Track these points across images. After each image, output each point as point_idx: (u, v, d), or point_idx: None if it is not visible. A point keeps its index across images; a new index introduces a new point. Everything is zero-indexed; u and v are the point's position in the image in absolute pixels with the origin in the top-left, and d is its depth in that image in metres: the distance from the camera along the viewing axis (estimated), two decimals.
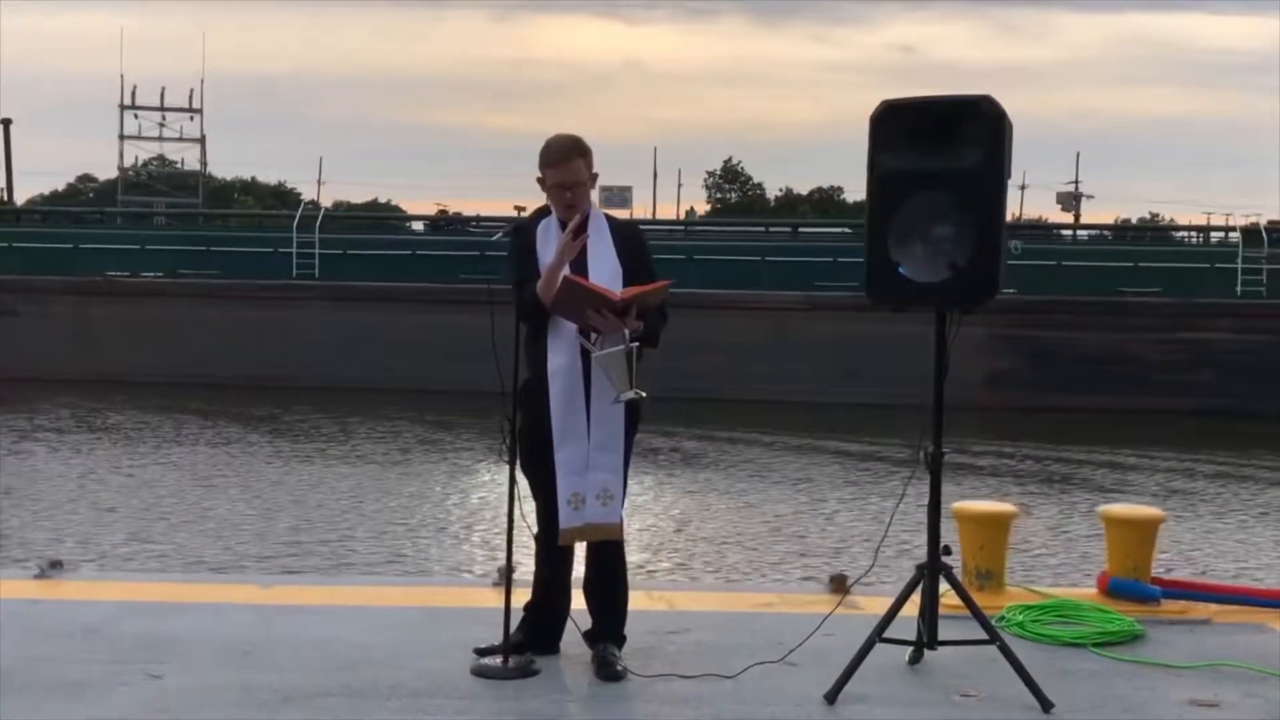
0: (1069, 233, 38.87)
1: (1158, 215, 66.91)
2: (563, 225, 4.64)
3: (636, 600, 4.93)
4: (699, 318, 24.65)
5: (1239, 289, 28.65)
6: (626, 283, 4.59)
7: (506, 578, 4.72)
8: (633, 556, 6.82)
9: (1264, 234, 30.06)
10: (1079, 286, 28.33)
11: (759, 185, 75.96)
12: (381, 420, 22.86)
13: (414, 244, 34.05)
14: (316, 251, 31.09)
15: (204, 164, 50.87)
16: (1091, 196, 64.95)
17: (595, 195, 4.82)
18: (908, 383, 25.56)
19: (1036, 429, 22.45)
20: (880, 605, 4.73)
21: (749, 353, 27.00)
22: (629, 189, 40.31)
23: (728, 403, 25.17)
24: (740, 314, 27.60)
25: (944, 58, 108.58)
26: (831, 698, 4.38)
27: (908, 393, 25.75)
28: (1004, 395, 25.52)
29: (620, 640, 4.75)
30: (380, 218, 50.30)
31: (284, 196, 70.34)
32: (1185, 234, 38.69)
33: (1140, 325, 26.74)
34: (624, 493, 4.64)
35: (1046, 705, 4.32)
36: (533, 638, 4.75)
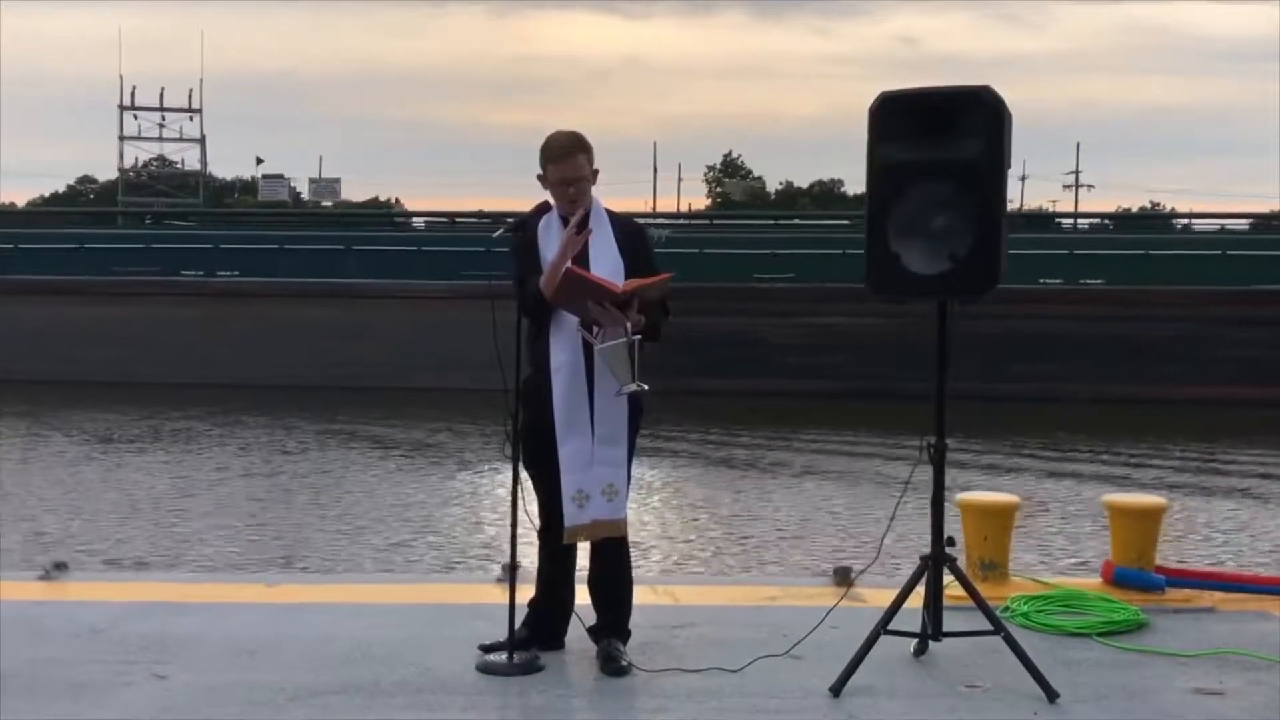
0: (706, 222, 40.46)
1: (1158, 204, 66.93)
2: (564, 221, 4.64)
3: (640, 595, 4.93)
4: (358, 308, 28.15)
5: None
6: (628, 277, 4.59)
7: (511, 574, 4.72)
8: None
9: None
10: (716, 273, 29.17)
11: (759, 179, 75.96)
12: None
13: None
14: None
15: (204, 164, 50.84)
16: (1091, 186, 64.94)
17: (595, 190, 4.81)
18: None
19: (684, 411, 22.78)
20: (884, 597, 4.73)
21: (401, 339, 28.16)
22: None
23: (383, 390, 26.04)
24: (391, 302, 29.06)
25: (945, 49, 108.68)
26: (837, 690, 4.37)
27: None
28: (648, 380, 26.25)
29: (625, 635, 4.74)
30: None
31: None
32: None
33: (772, 310, 27.82)
34: (628, 487, 4.64)
35: (1052, 695, 4.32)
36: (537, 634, 4.75)
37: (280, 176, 45.92)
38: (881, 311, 26.82)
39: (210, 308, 30.02)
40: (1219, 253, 30.57)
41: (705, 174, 75.97)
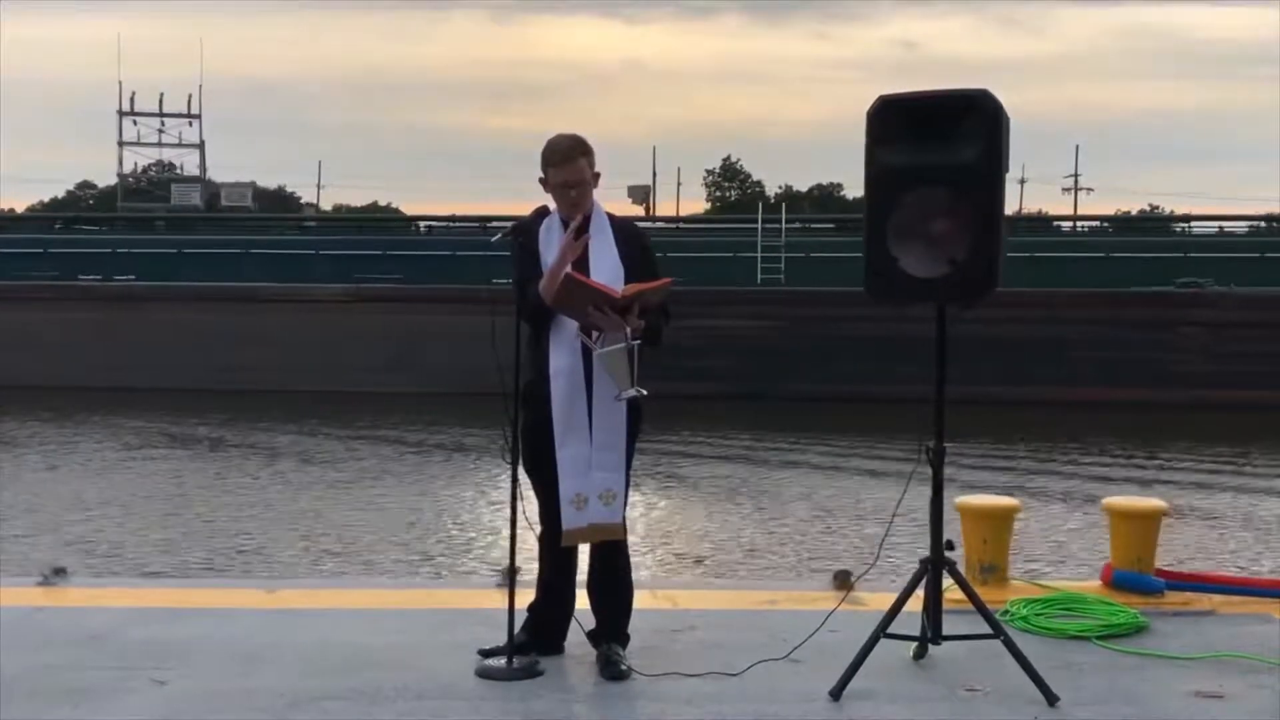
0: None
1: (1158, 207, 66.94)
2: (565, 224, 4.64)
3: (640, 599, 4.93)
4: (251, 312, 28.32)
5: (759, 278, 30.17)
6: (628, 280, 4.59)
7: (510, 579, 4.72)
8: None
9: (783, 222, 32.77)
10: None
11: (758, 183, 75.95)
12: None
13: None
14: None
15: (204, 169, 50.75)
16: (1091, 189, 64.95)
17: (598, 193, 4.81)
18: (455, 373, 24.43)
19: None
20: (884, 601, 4.73)
21: (299, 343, 28.34)
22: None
23: (287, 393, 26.42)
24: (289, 305, 29.16)
25: (945, 53, 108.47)
26: (836, 694, 4.38)
27: (458, 382, 23.86)
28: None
29: (624, 639, 4.75)
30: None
31: (284, 201, 70.34)
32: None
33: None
34: (627, 492, 4.65)
35: (1052, 698, 4.32)
36: (537, 638, 4.75)
37: (196, 180, 46.10)
38: (766, 315, 27.53)
39: (105, 312, 30.02)
40: (1098, 255, 31.03)
41: (704, 178, 76.01)
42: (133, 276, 32.14)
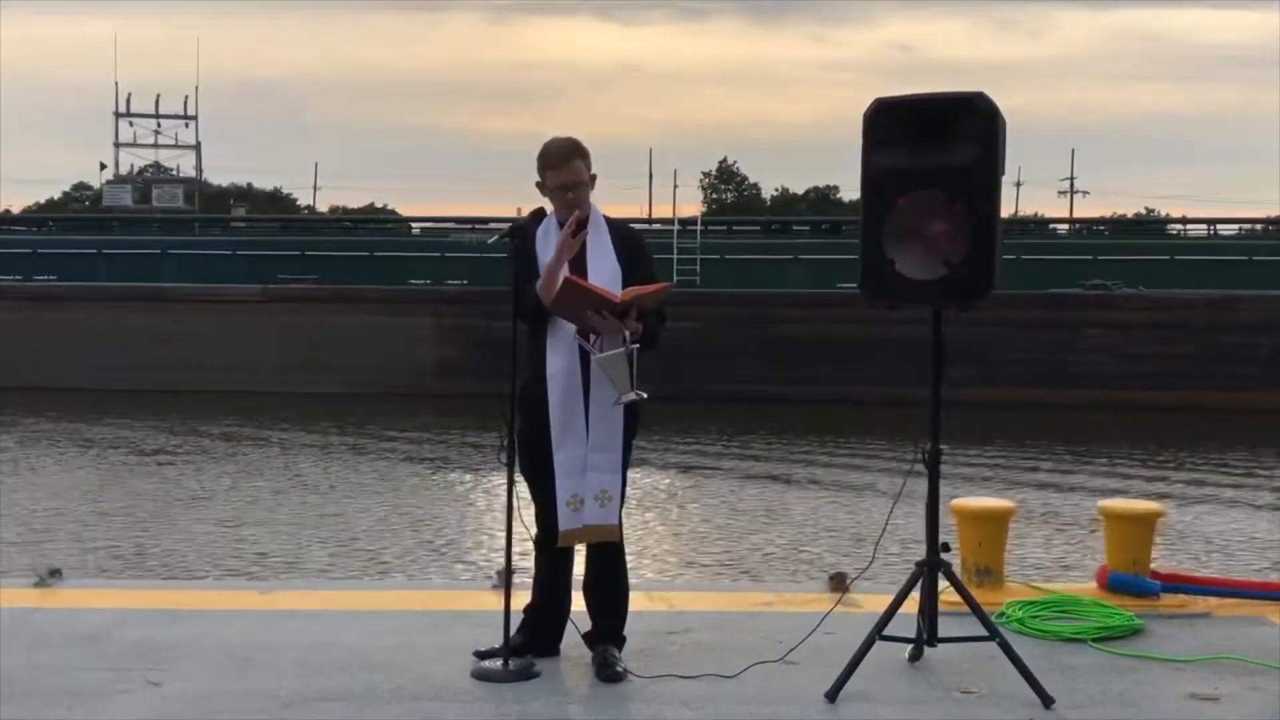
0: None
1: (1153, 210, 66.97)
2: (562, 226, 4.64)
3: (636, 601, 4.92)
4: (166, 312, 28.86)
5: (674, 278, 30.15)
6: (626, 284, 4.59)
7: (506, 580, 4.72)
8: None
9: (699, 224, 33.24)
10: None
11: (755, 185, 76.00)
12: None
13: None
14: None
15: (199, 171, 50.74)
16: (1086, 193, 65.05)
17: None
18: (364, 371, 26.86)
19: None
20: (880, 603, 4.73)
21: (214, 343, 28.69)
22: None
23: (201, 393, 26.70)
24: (204, 306, 29.59)
25: (942, 55, 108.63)
26: (832, 696, 4.38)
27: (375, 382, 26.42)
28: (454, 382, 27.16)
29: (620, 641, 4.74)
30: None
31: (280, 202, 70.33)
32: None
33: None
34: (623, 494, 4.64)
35: (1047, 701, 4.32)
36: (533, 640, 4.74)
37: (124, 181, 46.20)
38: (688, 315, 27.52)
39: (23, 312, 30.21)
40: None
41: (701, 180, 76.04)
42: (54, 277, 32.32)
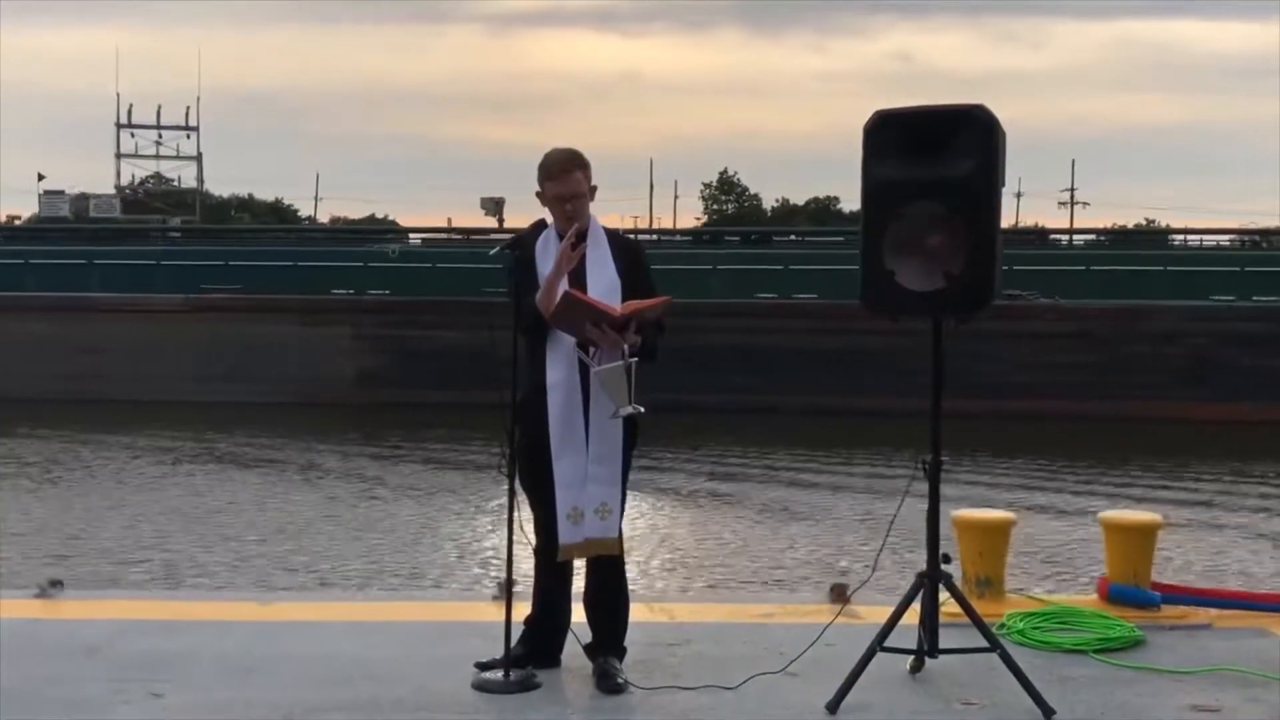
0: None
1: (1153, 220, 67.04)
2: (561, 237, 4.65)
3: (637, 612, 4.93)
4: (91, 322, 28.96)
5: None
6: (625, 296, 4.60)
7: (507, 591, 4.72)
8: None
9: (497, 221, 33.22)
10: (449, 287, 29.83)
11: (755, 196, 76.04)
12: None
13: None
14: None
15: (201, 181, 50.88)
16: (1087, 204, 65.12)
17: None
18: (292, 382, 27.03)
19: (404, 423, 24.17)
20: (880, 614, 4.73)
21: (137, 353, 28.73)
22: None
23: (112, 403, 26.73)
24: (127, 315, 29.59)
25: (942, 66, 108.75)
26: (833, 707, 4.37)
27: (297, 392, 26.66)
28: (373, 392, 27.61)
29: (621, 653, 4.74)
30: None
31: (281, 213, 70.36)
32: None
33: (501, 324, 28.00)
34: (622, 507, 4.65)
35: (1048, 712, 4.32)
36: (534, 651, 4.74)
37: (61, 193, 46.45)
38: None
39: None
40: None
41: (701, 191, 76.08)
42: None
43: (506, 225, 39.48)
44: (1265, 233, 40.33)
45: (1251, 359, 27.31)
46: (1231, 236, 39.91)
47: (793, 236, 46.70)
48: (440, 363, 26.94)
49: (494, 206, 43.22)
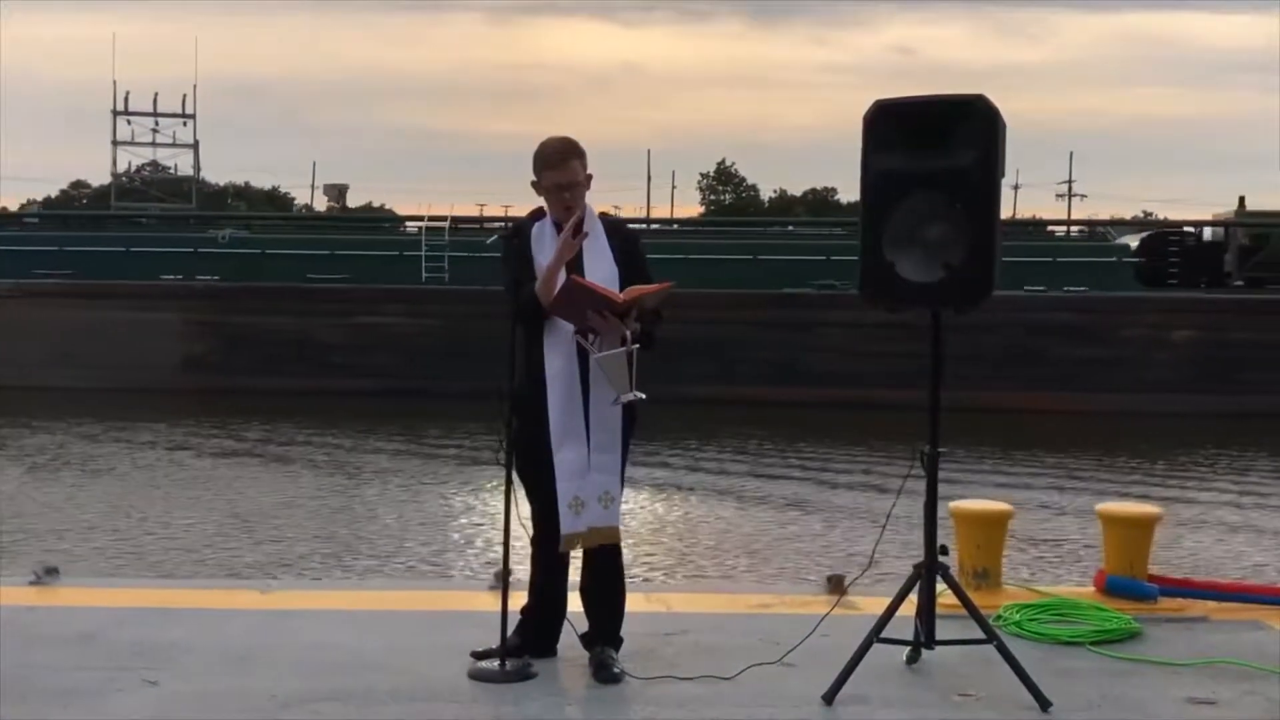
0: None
1: (1151, 214, 67.04)
2: (558, 227, 4.63)
3: (633, 602, 4.92)
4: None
5: (423, 275, 30.41)
6: (623, 283, 4.59)
7: (503, 581, 4.72)
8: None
9: (449, 226, 32.73)
10: (274, 274, 29.92)
11: (753, 187, 76.05)
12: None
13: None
14: None
15: (197, 169, 50.68)
16: (1084, 195, 65.11)
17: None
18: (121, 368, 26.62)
19: (228, 409, 24.03)
20: (878, 605, 4.72)
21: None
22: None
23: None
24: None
25: (942, 58, 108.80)
26: (830, 698, 4.37)
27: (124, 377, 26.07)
28: (198, 378, 27.50)
29: (618, 643, 4.74)
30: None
31: (277, 201, 70.31)
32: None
33: (324, 310, 28.55)
34: (621, 495, 4.64)
35: (1045, 704, 4.32)
36: (530, 641, 4.74)
37: None
38: (433, 313, 27.63)
39: None
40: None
41: (699, 181, 76.08)
42: None
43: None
44: (1100, 223, 40.75)
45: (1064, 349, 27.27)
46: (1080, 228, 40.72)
47: (790, 228, 46.54)
48: (264, 350, 27.38)
49: (336, 194, 43.72)
